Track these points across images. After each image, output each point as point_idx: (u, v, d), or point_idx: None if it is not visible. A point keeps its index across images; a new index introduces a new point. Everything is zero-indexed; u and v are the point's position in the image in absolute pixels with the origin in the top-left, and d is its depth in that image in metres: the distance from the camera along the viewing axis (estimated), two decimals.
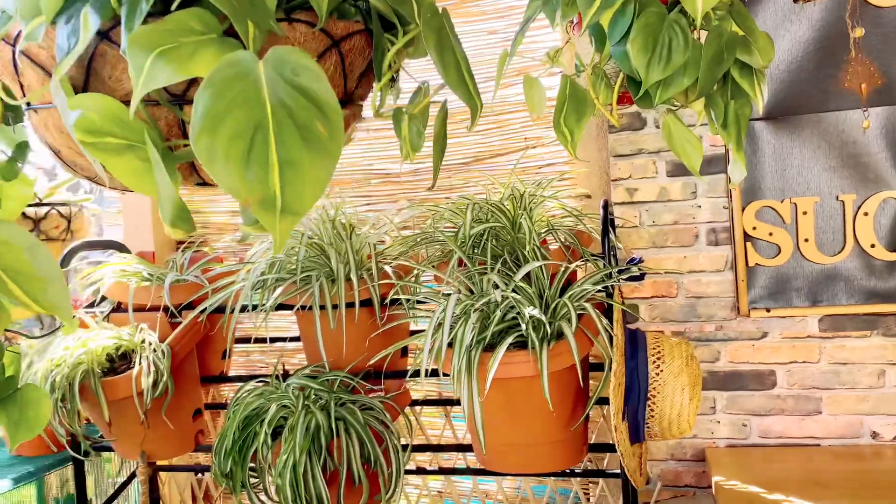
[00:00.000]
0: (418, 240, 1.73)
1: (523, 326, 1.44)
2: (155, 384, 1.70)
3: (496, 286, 1.52)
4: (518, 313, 1.48)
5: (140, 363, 1.72)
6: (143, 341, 1.77)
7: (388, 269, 1.71)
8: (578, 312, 1.53)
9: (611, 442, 1.53)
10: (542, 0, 1.21)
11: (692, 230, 1.96)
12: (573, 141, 1.23)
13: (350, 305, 1.69)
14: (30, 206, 2.39)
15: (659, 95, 1.15)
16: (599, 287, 1.55)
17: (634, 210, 1.99)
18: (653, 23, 1.11)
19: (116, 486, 2.14)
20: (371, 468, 1.58)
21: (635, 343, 1.59)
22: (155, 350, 1.75)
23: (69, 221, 2.46)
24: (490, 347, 1.46)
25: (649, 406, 1.56)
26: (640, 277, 1.70)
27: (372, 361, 1.61)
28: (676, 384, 1.54)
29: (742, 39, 1.19)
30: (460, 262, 1.61)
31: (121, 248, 2.21)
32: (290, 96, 0.56)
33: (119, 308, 1.97)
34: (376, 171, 2.28)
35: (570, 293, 1.55)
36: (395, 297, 1.66)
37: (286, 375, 1.74)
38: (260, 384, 1.73)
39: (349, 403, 1.62)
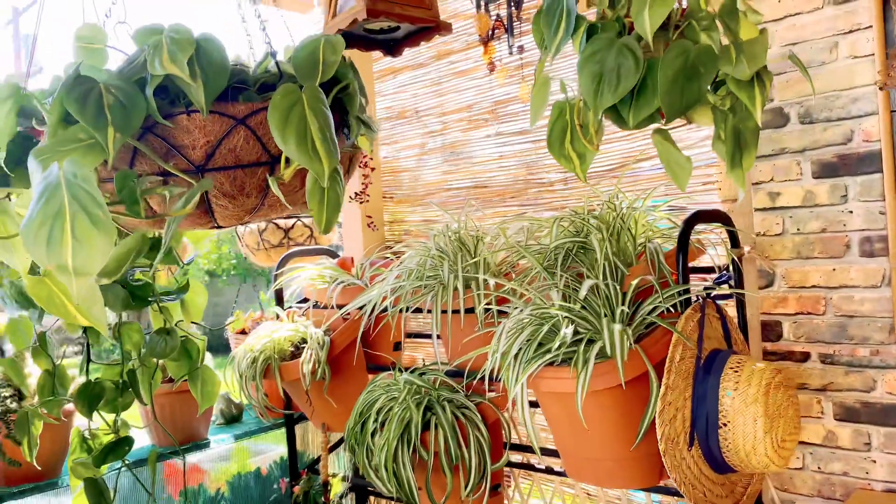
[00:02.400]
0: (512, 253, 1.82)
1: (570, 342, 1.47)
2: (314, 370, 2.09)
3: (567, 299, 1.55)
4: (578, 329, 1.51)
5: (306, 352, 2.12)
6: (314, 334, 2.17)
7: (490, 280, 1.83)
8: (640, 333, 1.49)
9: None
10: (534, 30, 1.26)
11: (842, 239, 1.70)
12: (582, 165, 1.26)
13: (457, 312, 1.86)
14: (282, 218, 3.00)
15: (632, 118, 1.13)
16: (666, 306, 1.48)
17: (777, 217, 1.80)
18: (601, 49, 1.10)
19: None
20: (454, 462, 1.74)
21: (710, 367, 1.48)
22: (319, 342, 2.13)
23: (311, 230, 3.02)
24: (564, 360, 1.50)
25: (721, 435, 1.45)
26: (727, 297, 1.57)
27: (456, 362, 1.77)
28: (748, 414, 1.41)
29: (724, 49, 1.10)
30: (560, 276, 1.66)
31: (331, 254, 2.67)
32: (81, 193, 0.80)
33: (316, 305, 2.41)
34: (535, 181, 2.38)
35: (640, 311, 1.51)
36: (488, 306, 1.78)
37: (415, 370, 1.98)
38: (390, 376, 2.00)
39: (444, 401, 1.80)
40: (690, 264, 1.81)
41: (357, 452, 1.90)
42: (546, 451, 1.90)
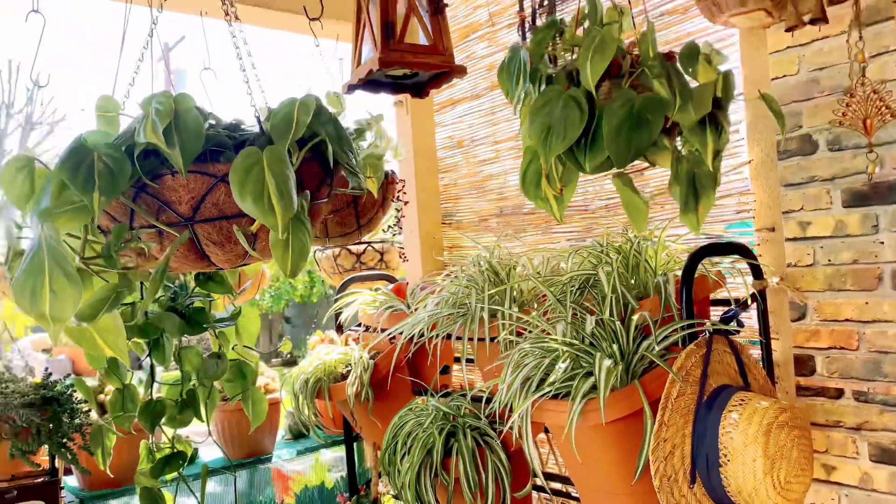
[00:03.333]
0: (533, 284, 1.86)
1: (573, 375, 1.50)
2: (358, 392, 2.20)
3: (577, 331, 1.58)
4: (585, 362, 1.53)
5: (351, 375, 2.25)
6: (359, 357, 2.29)
7: (510, 311, 1.88)
8: (644, 367, 1.49)
9: None
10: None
11: (874, 271, 1.62)
12: (559, 207, 1.30)
13: (483, 340, 1.92)
14: (353, 244, 3.17)
15: (588, 164, 1.17)
16: (668, 342, 1.47)
17: (807, 247, 1.73)
18: (550, 101, 1.15)
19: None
20: (473, 488, 1.79)
21: (712, 404, 1.46)
22: (364, 365, 2.25)
23: (382, 255, 3.17)
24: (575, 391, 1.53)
25: (722, 474, 1.43)
26: (735, 332, 1.54)
27: (475, 390, 1.82)
28: (747, 453, 1.38)
29: (677, 96, 1.12)
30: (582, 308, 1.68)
31: (389, 279, 2.80)
32: (56, 253, 0.95)
33: (367, 329, 2.53)
34: (577, 207, 2.40)
35: (643, 347, 1.51)
36: (510, 336, 1.83)
37: (447, 394, 2.05)
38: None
39: (468, 427, 1.86)
40: (712, 296, 1.78)
41: (390, 473, 1.99)
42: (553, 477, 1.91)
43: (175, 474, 1.99)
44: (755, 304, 1.73)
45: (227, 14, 1.53)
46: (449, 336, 2.07)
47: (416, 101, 2.84)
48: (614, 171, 1.20)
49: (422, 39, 1.79)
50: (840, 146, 1.66)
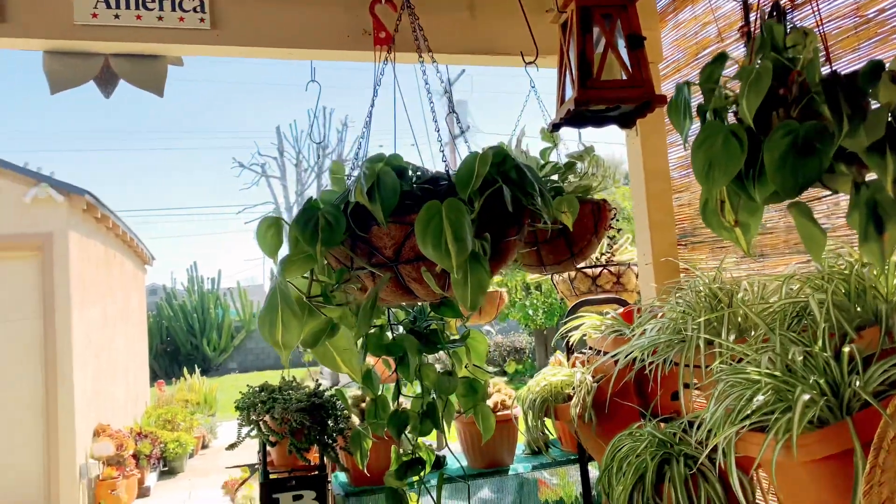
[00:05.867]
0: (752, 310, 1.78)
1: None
2: (581, 414, 2.29)
3: (794, 363, 1.52)
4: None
5: (575, 396, 2.34)
6: (582, 379, 2.37)
7: (725, 339, 1.83)
8: (861, 403, 1.36)
9: None
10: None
11: None
12: (746, 236, 1.31)
13: (699, 367, 1.90)
14: (588, 267, 3.26)
15: (758, 195, 1.18)
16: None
17: None
18: (711, 135, 1.19)
19: None
20: None
21: None
22: (587, 388, 2.33)
23: (618, 277, 3.22)
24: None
25: None
26: None
27: (687, 418, 1.79)
28: None
29: (844, 121, 1.09)
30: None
31: (621, 302, 2.83)
32: (285, 295, 1.22)
33: (594, 351, 2.60)
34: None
35: (864, 379, 1.39)
36: (721, 365, 1.78)
37: (667, 420, 2.05)
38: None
39: (682, 455, 1.84)
40: None
41: (608, 494, 2.04)
42: None
43: (417, 478, 2.26)
44: None
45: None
46: (667, 362, 2.06)
47: (647, 123, 2.86)
48: (789, 200, 1.17)
49: (622, 74, 1.87)
50: None
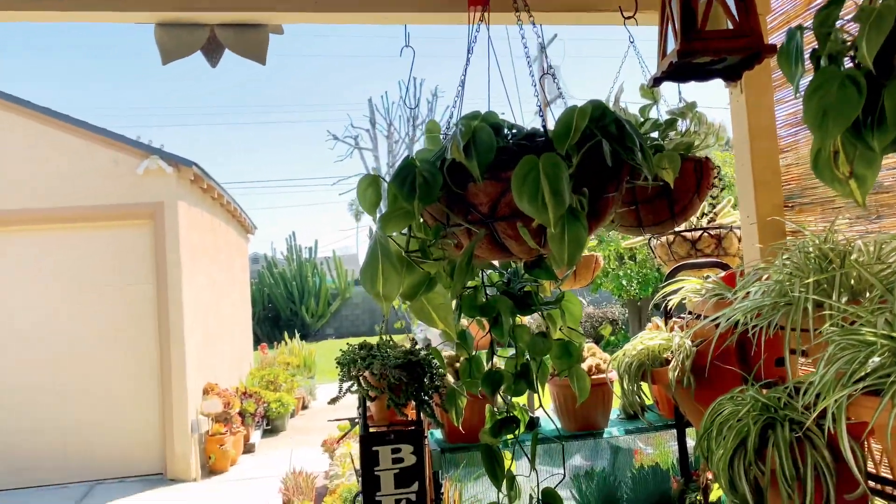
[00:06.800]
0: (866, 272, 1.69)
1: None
2: (679, 378, 2.24)
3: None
4: None
5: (673, 360, 2.29)
6: (681, 343, 2.32)
7: (837, 301, 1.75)
8: None
9: None
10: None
11: None
12: (861, 189, 1.25)
13: (806, 331, 1.82)
14: (688, 230, 3.17)
15: (877, 144, 1.12)
16: None
17: None
18: (825, 82, 1.14)
19: None
20: (790, 483, 1.71)
21: None
22: (685, 351, 2.28)
23: (720, 241, 3.13)
24: None
25: None
26: None
27: (793, 382, 1.73)
28: None
29: None
30: None
31: (722, 266, 2.74)
32: (385, 249, 1.25)
33: (693, 316, 2.53)
34: None
35: None
36: (832, 328, 1.70)
37: (769, 385, 1.98)
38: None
39: (787, 420, 1.78)
40: None
41: (708, 458, 2.00)
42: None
43: (512, 436, 2.29)
44: None
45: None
46: (771, 326, 1.99)
47: (753, 79, 2.73)
48: None
49: (728, 23, 1.79)
50: None
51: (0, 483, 7.93)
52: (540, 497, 2.29)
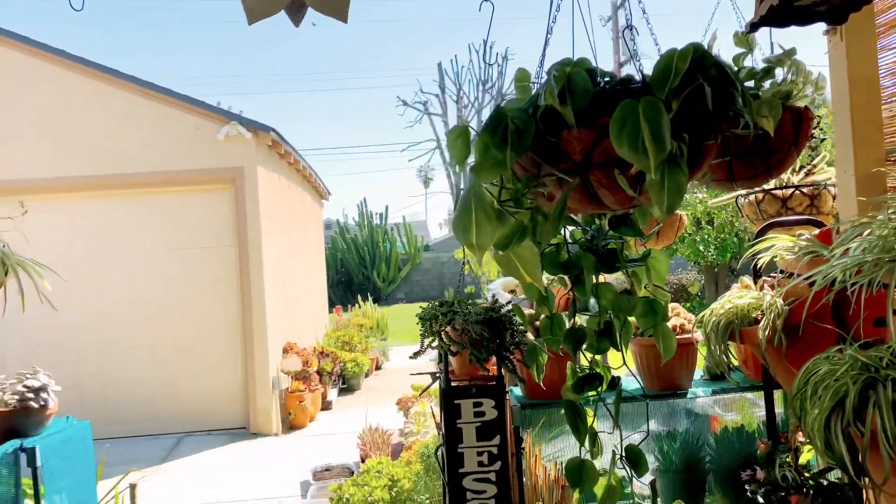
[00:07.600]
0: None
1: None
2: (770, 337, 2.18)
3: None
4: None
5: (764, 319, 2.22)
6: (772, 302, 2.25)
7: None
8: None
9: None
10: None
11: None
12: None
13: None
14: (779, 188, 3.05)
15: None
16: None
17: None
18: None
19: None
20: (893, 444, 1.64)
21: None
22: (777, 311, 2.21)
23: (812, 199, 3.00)
24: None
25: None
26: None
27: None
28: None
29: None
30: None
31: (816, 224, 2.62)
32: (479, 198, 1.25)
33: (786, 275, 2.44)
34: None
35: None
36: None
37: (867, 345, 1.90)
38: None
39: (888, 380, 1.70)
40: None
41: (801, 418, 1.95)
42: None
43: (594, 393, 2.28)
44: None
45: None
46: (873, 284, 1.89)
47: (855, 26, 2.58)
48: None
49: None
50: None
51: (99, 432, 8.46)
52: (623, 454, 2.28)
